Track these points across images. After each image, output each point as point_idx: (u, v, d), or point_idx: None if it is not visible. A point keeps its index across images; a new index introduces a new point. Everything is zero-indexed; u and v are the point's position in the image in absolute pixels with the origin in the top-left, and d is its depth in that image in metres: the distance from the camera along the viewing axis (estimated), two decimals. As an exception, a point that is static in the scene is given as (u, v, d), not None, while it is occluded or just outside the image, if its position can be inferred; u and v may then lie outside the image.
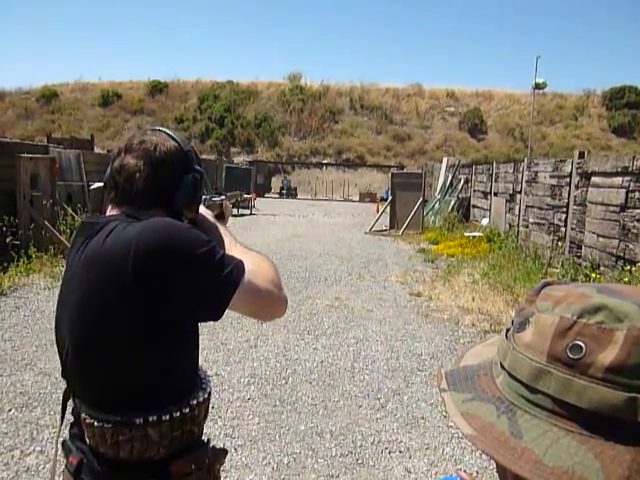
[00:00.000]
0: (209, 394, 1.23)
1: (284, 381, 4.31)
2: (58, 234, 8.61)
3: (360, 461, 3.19)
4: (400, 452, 3.30)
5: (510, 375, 0.50)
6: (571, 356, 0.45)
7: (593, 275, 6.94)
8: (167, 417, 1.08)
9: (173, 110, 37.61)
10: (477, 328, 5.86)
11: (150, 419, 1.06)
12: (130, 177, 1.18)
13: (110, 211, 1.22)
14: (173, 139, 1.24)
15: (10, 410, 3.62)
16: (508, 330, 0.53)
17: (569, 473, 0.42)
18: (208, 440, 1.28)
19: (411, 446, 3.37)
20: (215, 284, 1.06)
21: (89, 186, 11.22)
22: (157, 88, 39.36)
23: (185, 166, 1.24)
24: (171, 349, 1.09)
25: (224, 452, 1.31)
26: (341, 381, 4.35)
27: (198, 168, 1.28)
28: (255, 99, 38.35)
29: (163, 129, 1.27)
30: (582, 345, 0.44)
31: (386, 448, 3.34)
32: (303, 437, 3.44)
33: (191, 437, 1.15)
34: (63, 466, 1.20)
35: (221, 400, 3.85)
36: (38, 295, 6.62)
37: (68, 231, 9.06)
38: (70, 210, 9.58)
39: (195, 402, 1.15)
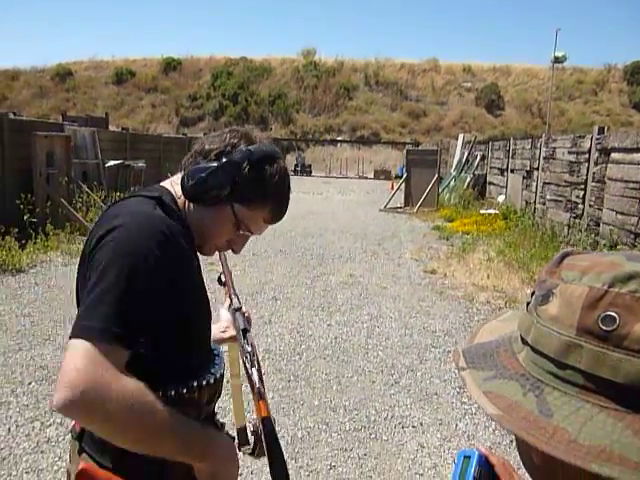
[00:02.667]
0: (216, 380, 1.16)
1: (298, 357, 4.34)
2: (74, 211, 8.68)
3: (373, 435, 3.21)
4: (413, 427, 3.32)
5: (535, 350, 0.47)
6: (604, 328, 0.42)
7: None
8: (159, 393, 1.01)
9: (187, 87, 37.49)
10: (492, 305, 5.84)
11: None
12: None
13: None
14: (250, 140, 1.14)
15: (30, 383, 3.70)
16: (528, 304, 0.50)
17: (607, 452, 0.40)
18: (221, 424, 1.25)
19: (424, 421, 3.39)
20: (86, 300, 0.94)
21: (104, 164, 11.28)
22: (171, 65, 39.20)
23: (221, 154, 1.10)
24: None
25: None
26: (355, 357, 4.37)
27: (236, 163, 1.09)
28: (269, 76, 38.05)
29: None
30: (615, 316, 0.42)
31: (399, 423, 3.36)
32: (317, 412, 3.47)
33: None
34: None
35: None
36: (56, 271, 6.71)
37: (84, 208, 9.15)
38: (86, 187, 9.65)
39: (195, 384, 1.10)
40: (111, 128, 17.94)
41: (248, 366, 1.09)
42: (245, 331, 1.19)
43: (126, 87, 38.18)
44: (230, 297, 1.35)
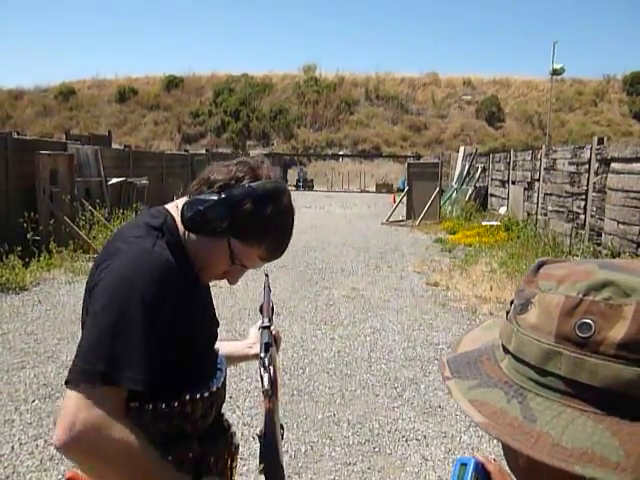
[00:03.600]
0: (211, 393, 1.17)
1: (301, 371, 4.34)
2: (77, 229, 8.73)
3: (377, 449, 3.20)
4: (417, 440, 3.31)
5: (516, 358, 0.49)
6: (581, 335, 0.44)
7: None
8: (150, 407, 1.05)
9: (189, 104, 37.78)
10: (495, 317, 5.82)
11: (131, 405, 1.02)
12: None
13: None
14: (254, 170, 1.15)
15: (34, 401, 3.71)
16: (508, 312, 0.52)
17: (588, 453, 0.41)
18: (210, 436, 1.24)
19: (428, 434, 3.38)
20: (81, 342, 0.99)
21: (107, 181, 11.35)
22: (173, 83, 39.55)
23: (224, 187, 1.11)
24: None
25: (231, 453, 1.27)
26: (358, 370, 4.37)
27: (237, 198, 1.09)
28: (270, 91, 38.33)
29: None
30: (591, 323, 0.44)
31: (403, 436, 3.35)
32: (320, 426, 3.46)
33: (180, 434, 1.11)
34: None
35: (239, 390, 3.89)
36: (59, 289, 6.73)
37: (87, 226, 9.19)
38: (89, 205, 9.70)
39: (188, 397, 1.11)
40: (114, 146, 18.08)
41: (262, 371, 1.11)
42: (268, 345, 1.21)
43: (129, 105, 38.49)
44: (263, 318, 1.37)
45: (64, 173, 9.34)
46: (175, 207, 1.19)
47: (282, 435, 1.13)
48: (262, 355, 1.15)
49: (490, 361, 0.52)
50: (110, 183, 11.47)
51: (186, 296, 1.11)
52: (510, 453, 0.53)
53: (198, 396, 1.13)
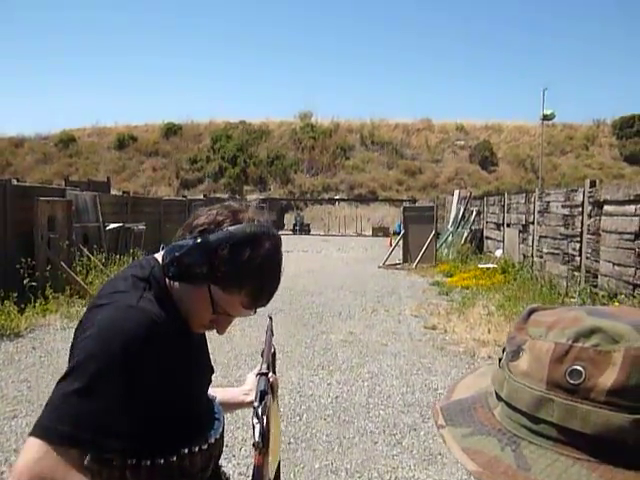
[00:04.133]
0: (209, 445, 1.14)
1: (298, 418, 4.26)
2: (74, 275, 8.71)
3: (376, 499, 3.12)
4: (417, 489, 3.23)
5: (509, 405, 0.49)
6: (571, 381, 0.44)
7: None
8: (148, 463, 1.03)
9: (187, 151, 38.35)
10: (494, 360, 5.76)
11: (129, 462, 1.01)
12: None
13: None
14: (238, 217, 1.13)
15: (25, 451, 3.62)
16: (500, 360, 0.52)
17: None
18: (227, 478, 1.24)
19: (428, 483, 3.30)
20: (51, 396, 0.97)
21: (105, 226, 11.41)
22: (171, 130, 40.23)
23: (203, 232, 1.09)
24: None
25: None
26: (356, 417, 4.29)
27: (211, 243, 1.06)
28: (267, 138, 39.01)
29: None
30: (581, 370, 0.44)
31: (403, 485, 3.27)
32: (318, 475, 3.38)
33: None
34: None
35: (235, 438, 3.82)
36: (54, 335, 6.66)
37: (84, 271, 9.18)
38: (86, 251, 9.72)
39: (186, 451, 1.08)
40: (113, 192, 18.24)
41: (254, 422, 1.07)
42: (263, 393, 1.16)
43: (128, 152, 39.04)
44: (261, 364, 1.33)
45: (62, 219, 9.40)
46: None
47: None
48: (255, 404, 1.10)
49: (483, 408, 0.52)
50: (108, 228, 11.54)
51: (176, 350, 1.09)
52: None
53: (197, 449, 1.10)
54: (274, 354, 1.48)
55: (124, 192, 15.81)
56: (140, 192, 31.24)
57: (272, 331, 1.47)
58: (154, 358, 1.01)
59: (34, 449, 0.92)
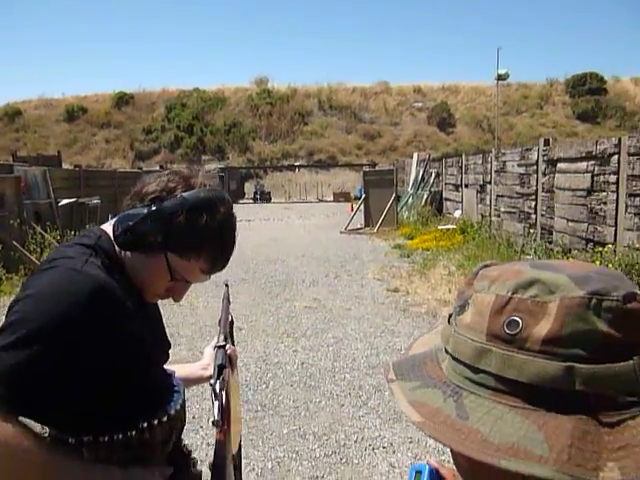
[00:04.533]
0: (169, 417, 1.11)
1: (265, 386, 4.29)
2: (28, 254, 8.44)
3: (344, 460, 3.18)
4: (384, 448, 3.31)
5: (454, 358, 0.50)
6: (508, 332, 0.45)
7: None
8: (106, 439, 1.00)
9: (140, 121, 37.27)
10: (455, 319, 5.91)
11: (85, 439, 0.98)
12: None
13: None
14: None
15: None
16: (451, 315, 0.53)
17: (514, 448, 0.42)
18: (179, 467, 1.19)
19: (394, 441, 3.38)
20: None
21: (57, 203, 11.05)
22: (123, 100, 38.93)
23: (155, 199, 1.06)
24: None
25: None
26: (322, 381, 4.35)
27: (166, 210, 1.04)
28: (223, 105, 38.18)
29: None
30: (518, 320, 0.45)
31: (370, 445, 3.34)
32: (286, 440, 3.42)
33: (141, 463, 1.05)
34: None
35: (202, 410, 3.81)
36: (10, 317, 6.47)
37: (38, 250, 8.90)
38: (39, 228, 9.40)
39: (145, 425, 1.05)
40: (64, 166, 17.63)
41: (212, 399, 1.06)
42: (221, 367, 1.15)
43: (78, 124, 37.66)
44: (218, 336, 1.32)
45: (11, 196, 9.03)
46: (110, 226, 1.12)
47: (239, 464, 1.08)
48: (212, 381, 1.09)
49: (433, 362, 0.53)
50: (61, 204, 11.17)
51: (128, 319, 1.04)
52: (454, 457, 0.54)
53: (156, 422, 1.07)
54: (232, 323, 1.45)
55: (76, 166, 15.31)
56: (93, 165, 30.34)
57: (229, 299, 1.44)
58: (100, 325, 0.96)
59: None
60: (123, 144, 36.19)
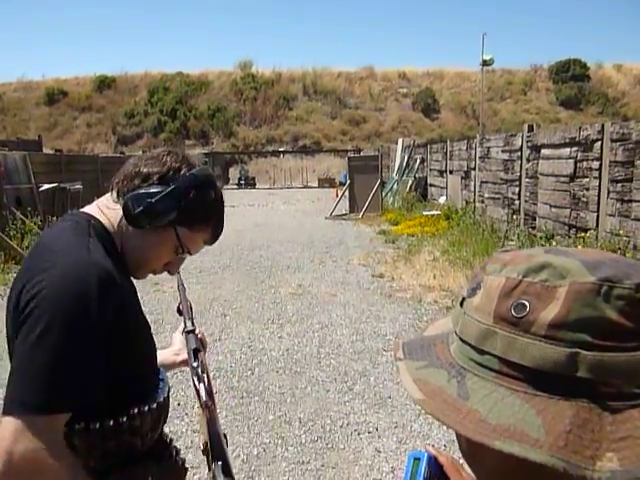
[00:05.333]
0: (158, 404, 1.12)
1: (250, 372, 4.28)
2: (8, 240, 8.30)
3: (330, 445, 3.20)
4: (369, 432, 3.33)
5: (461, 339, 0.50)
6: (515, 314, 0.45)
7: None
8: (97, 425, 0.99)
9: (123, 105, 36.68)
10: (439, 305, 5.95)
11: (76, 426, 0.97)
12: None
13: None
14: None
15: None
16: (463, 299, 0.53)
17: (511, 430, 0.42)
18: (161, 456, 1.19)
19: (380, 426, 3.41)
20: (16, 366, 0.92)
21: (38, 188, 10.86)
22: (104, 83, 38.26)
23: (165, 178, 1.11)
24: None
25: (178, 470, 1.21)
26: (308, 367, 4.35)
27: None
28: (207, 89, 37.71)
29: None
30: (526, 303, 0.45)
31: (355, 430, 3.36)
32: (272, 427, 3.43)
33: (131, 450, 1.06)
34: None
35: (187, 397, 3.80)
36: (-9, 304, 6.38)
37: (19, 236, 8.76)
38: (19, 214, 9.25)
39: (136, 411, 1.05)
40: (45, 150, 17.33)
41: (196, 382, 1.07)
42: (196, 351, 1.19)
43: (59, 107, 36.98)
44: (185, 321, 1.34)
45: (-10, 181, 8.86)
46: (97, 209, 1.14)
47: (227, 443, 1.09)
48: (194, 365, 1.12)
49: (443, 344, 0.53)
50: (42, 189, 10.99)
51: (130, 302, 1.06)
52: (457, 438, 0.54)
53: (146, 409, 1.08)
54: (191, 308, 1.47)
55: (57, 150, 15.06)
56: (75, 150, 29.88)
57: (183, 285, 1.47)
58: (115, 308, 0.98)
59: (16, 424, 0.88)
60: (105, 128, 35.65)
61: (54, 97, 37.26)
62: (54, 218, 9.91)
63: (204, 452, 1.01)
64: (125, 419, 1.04)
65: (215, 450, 0.94)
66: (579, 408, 0.42)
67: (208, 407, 1.02)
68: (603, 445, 0.41)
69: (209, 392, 1.05)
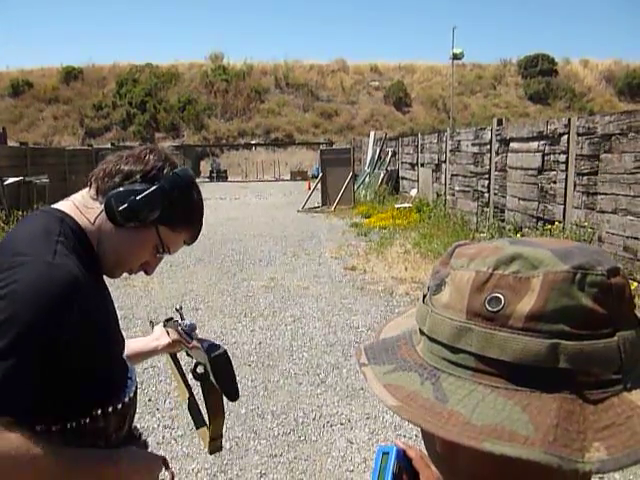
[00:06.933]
0: (123, 404, 1.10)
1: (222, 366, 4.26)
2: (-29, 235, 8.08)
3: (302, 437, 3.21)
4: (341, 424, 3.35)
5: (431, 339, 0.48)
6: (490, 309, 0.44)
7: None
8: (58, 427, 0.97)
9: (90, 97, 35.88)
10: (411, 297, 6.00)
11: (38, 428, 0.94)
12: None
13: None
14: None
15: None
16: (425, 296, 0.51)
17: (498, 430, 0.41)
18: (139, 434, 1.21)
19: (352, 417, 3.43)
20: None
21: (3, 181, 10.58)
22: (71, 74, 37.36)
23: (148, 177, 1.10)
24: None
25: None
26: (280, 360, 4.35)
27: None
28: (177, 81, 37.15)
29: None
30: (500, 297, 0.43)
31: (327, 422, 3.38)
32: (244, 420, 3.42)
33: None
34: None
35: (158, 392, 3.77)
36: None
37: (-17, 231, 8.53)
38: (-17, 208, 9.00)
39: (100, 412, 1.04)
40: (10, 143, 16.86)
41: (202, 345, 1.21)
42: (192, 325, 1.36)
43: (24, 99, 35.98)
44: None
45: (-49, 175, 8.60)
46: (72, 206, 1.10)
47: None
48: (197, 336, 1.28)
49: (407, 345, 0.51)
50: (6, 183, 10.71)
51: (97, 304, 1.04)
52: (428, 440, 0.52)
53: (110, 409, 1.06)
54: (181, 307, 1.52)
55: (22, 143, 14.67)
56: (41, 143, 29.18)
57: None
58: (78, 317, 0.94)
59: None
60: (72, 121, 34.84)
61: (19, 88, 36.23)
62: (20, 212, 9.69)
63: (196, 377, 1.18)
64: (88, 420, 1.02)
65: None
66: (562, 400, 0.41)
67: (215, 350, 1.20)
68: (589, 436, 0.40)
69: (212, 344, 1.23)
